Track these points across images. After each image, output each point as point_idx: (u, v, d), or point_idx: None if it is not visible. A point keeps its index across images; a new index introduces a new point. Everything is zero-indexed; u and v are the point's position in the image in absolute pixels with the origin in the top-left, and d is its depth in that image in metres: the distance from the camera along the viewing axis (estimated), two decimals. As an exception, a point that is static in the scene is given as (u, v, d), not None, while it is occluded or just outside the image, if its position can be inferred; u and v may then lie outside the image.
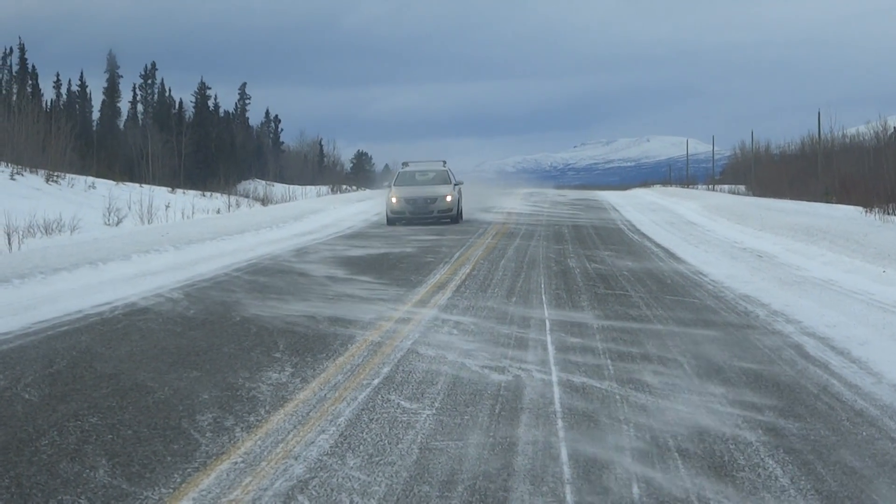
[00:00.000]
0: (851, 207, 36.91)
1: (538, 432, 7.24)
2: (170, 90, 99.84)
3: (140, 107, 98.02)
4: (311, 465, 6.53)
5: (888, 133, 67.88)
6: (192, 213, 40.22)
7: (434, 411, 7.86)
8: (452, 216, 32.40)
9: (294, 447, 6.89)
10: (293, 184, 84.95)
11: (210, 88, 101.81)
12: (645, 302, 13.95)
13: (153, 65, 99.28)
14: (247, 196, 64.34)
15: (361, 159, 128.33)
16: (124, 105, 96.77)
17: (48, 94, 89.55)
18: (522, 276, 17.06)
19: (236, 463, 6.56)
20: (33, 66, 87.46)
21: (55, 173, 45.57)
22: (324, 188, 77.23)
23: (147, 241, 22.45)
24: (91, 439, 7.13)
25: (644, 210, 43.88)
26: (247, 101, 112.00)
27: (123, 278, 16.69)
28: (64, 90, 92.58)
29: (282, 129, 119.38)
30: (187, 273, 17.69)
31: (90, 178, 49.83)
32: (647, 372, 9.30)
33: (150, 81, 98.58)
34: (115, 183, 51.75)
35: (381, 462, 6.59)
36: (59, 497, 5.99)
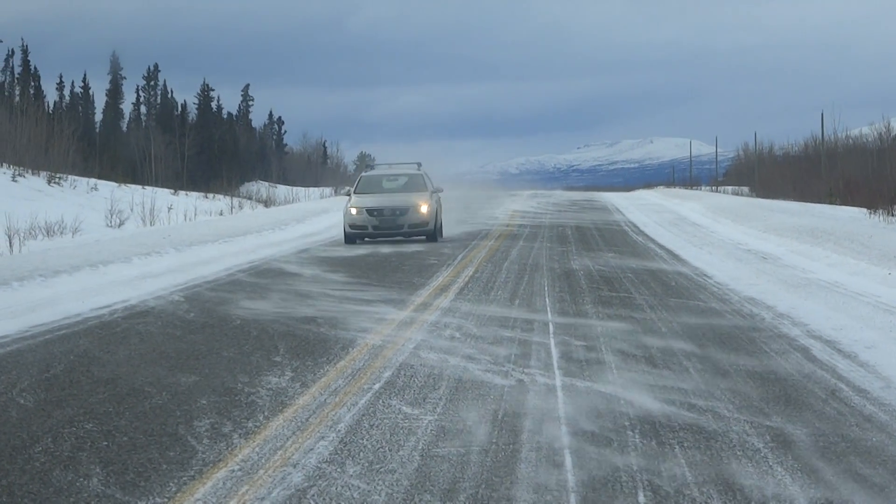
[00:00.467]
0: (855, 209, 36.71)
1: (542, 439, 7.10)
2: (172, 92, 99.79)
3: (143, 108, 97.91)
4: (310, 473, 6.39)
5: (891, 134, 67.64)
6: (195, 215, 40.17)
7: (436, 417, 7.73)
8: (428, 231, 25.75)
9: (293, 454, 6.75)
10: (296, 185, 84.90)
11: (213, 90, 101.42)
12: (649, 305, 13.82)
13: (156, 66, 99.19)
14: (250, 198, 64.37)
15: (364, 161, 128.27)
16: (127, 107, 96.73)
17: (51, 96, 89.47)
18: (525, 279, 16.95)
19: (233, 471, 6.43)
20: (36, 68, 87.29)
21: (57, 175, 45.49)
22: (327, 190, 77.11)
23: (148, 244, 22.38)
24: (86, 446, 7.00)
25: (647, 211, 43.79)
26: (250, 103, 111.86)
27: (124, 281, 16.60)
28: (67, 92, 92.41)
29: (285, 131, 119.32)
30: (188, 275, 17.60)
31: (92, 180, 49.78)
32: (651, 375, 9.17)
33: (153, 83, 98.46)
34: (117, 185, 51.71)
35: (382, 470, 6.44)
36: (52, 506, 5.86)
